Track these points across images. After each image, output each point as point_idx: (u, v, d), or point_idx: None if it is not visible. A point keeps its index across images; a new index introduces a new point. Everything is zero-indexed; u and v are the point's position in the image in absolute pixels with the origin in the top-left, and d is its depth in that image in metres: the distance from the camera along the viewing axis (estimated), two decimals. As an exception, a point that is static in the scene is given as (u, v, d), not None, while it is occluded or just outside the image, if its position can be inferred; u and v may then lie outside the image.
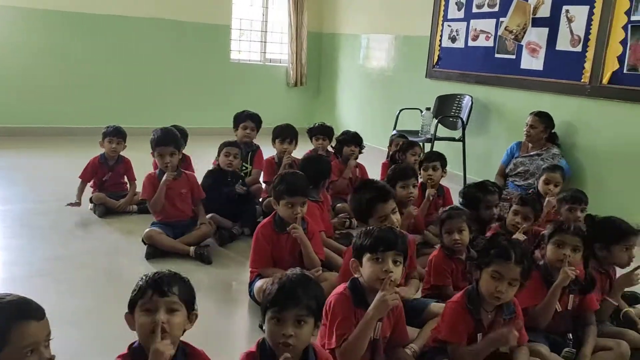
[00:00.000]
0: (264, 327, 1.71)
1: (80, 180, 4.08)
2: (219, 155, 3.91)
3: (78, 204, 3.97)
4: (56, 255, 3.31)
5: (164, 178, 3.44)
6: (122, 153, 4.22)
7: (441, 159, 3.83)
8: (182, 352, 1.67)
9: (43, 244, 3.47)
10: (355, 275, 2.05)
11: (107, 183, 4.17)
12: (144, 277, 1.67)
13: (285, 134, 4.27)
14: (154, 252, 3.32)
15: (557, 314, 2.39)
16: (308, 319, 1.66)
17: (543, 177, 3.74)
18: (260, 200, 4.20)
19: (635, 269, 2.60)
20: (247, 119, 4.45)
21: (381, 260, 1.98)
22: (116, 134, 4.13)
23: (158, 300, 1.60)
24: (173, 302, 1.62)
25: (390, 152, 4.51)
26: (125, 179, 4.28)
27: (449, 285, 2.65)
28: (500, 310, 2.12)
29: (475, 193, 3.24)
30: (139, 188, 4.08)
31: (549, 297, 2.33)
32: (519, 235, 2.93)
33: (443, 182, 3.91)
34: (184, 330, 1.67)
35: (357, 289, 2.03)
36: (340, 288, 2.05)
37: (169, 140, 3.51)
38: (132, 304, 1.64)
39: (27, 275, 2.99)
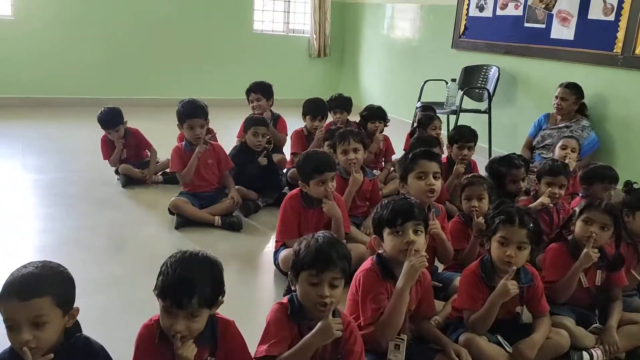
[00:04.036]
0: (293, 288, 1.76)
1: (108, 162, 4.17)
2: (245, 132, 3.84)
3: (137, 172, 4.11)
4: (85, 224, 3.37)
5: (197, 151, 3.48)
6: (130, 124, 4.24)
7: (476, 138, 3.76)
8: (211, 323, 1.66)
9: (72, 213, 3.54)
10: (379, 251, 2.05)
11: (125, 158, 4.18)
12: (167, 270, 1.56)
13: (317, 111, 4.18)
14: (184, 221, 3.36)
15: (584, 289, 2.37)
16: (341, 281, 1.73)
17: (559, 144, 3.77)
18: (285, 170, 4.21)
19: None
20: (251, 92, 4.44)
21: (401, 232, 1.97)
22: (113, 125, 4.06)
23: (177, 311, 1.54)
24: (193, 311, 1.55)
25: (412, 127, 4.45)
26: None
27: (466, 249, 2.63)
28: (516, 279, 2.09)
29: (500, 167, 3.16)
30: (161, 155, 4.18)
31: (570, 275, 2.31)
32: (543, 199, 2.91)
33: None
34: None
35: (383, 264, 2.03)
36: (367, 264, 2.06)
37: (199, 112, 3.53)
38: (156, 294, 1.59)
39: (57, 244, 3.06)
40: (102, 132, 4.14)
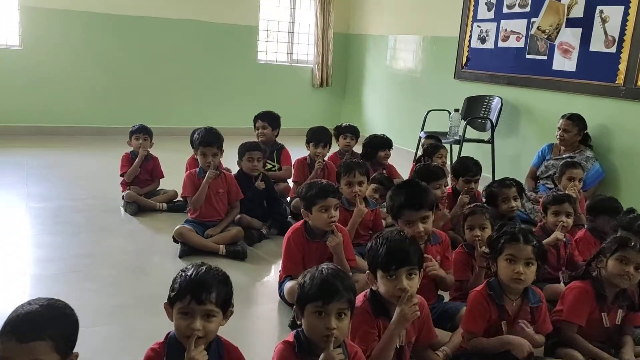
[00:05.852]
0: (299, 322, 1.74)
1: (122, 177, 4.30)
2: (240, 158, 3.85)
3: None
4: (89, 252, 3.35)
5: (207, 175, 3.50)
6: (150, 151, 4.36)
7: (480, 170, 3.75)
8: (216, 344, 1.69)
9: (76, 241, 3.53)
10: (372, 288, 2.03)
11: (137, 178, 4.28)
12: (183, 275, 1.66)
13: (320, 138, 4.20)
14: (188, 250, 3.35)
15: (603, 328, 2.35)
16: (347, 312, 1.72)
17: (566, 174, 3.76)
18: (288, 199, 4.20)
19: None
20: (258, 119, 4.52)
21: (395, 277, 1.94)
22: (142, 131, 4.31)
23: (195, 307, 1.60)
24: (210, 310, 1.62)
25: (417, 156, 4.46)
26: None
27: (470, 279, 2.63)
28: (525, 299, 2.15)
29: (493, 188, 3.33)
30: (171, 186, 4.23)
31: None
32: (557, 234, 2.90)
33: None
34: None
35: (376, 301, 2.00)
36: (359, 300, 2.01)
37: (214, 140, 3.60)
38: (170, 300, 1.65)
39: (60, 272, 3.04)
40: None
